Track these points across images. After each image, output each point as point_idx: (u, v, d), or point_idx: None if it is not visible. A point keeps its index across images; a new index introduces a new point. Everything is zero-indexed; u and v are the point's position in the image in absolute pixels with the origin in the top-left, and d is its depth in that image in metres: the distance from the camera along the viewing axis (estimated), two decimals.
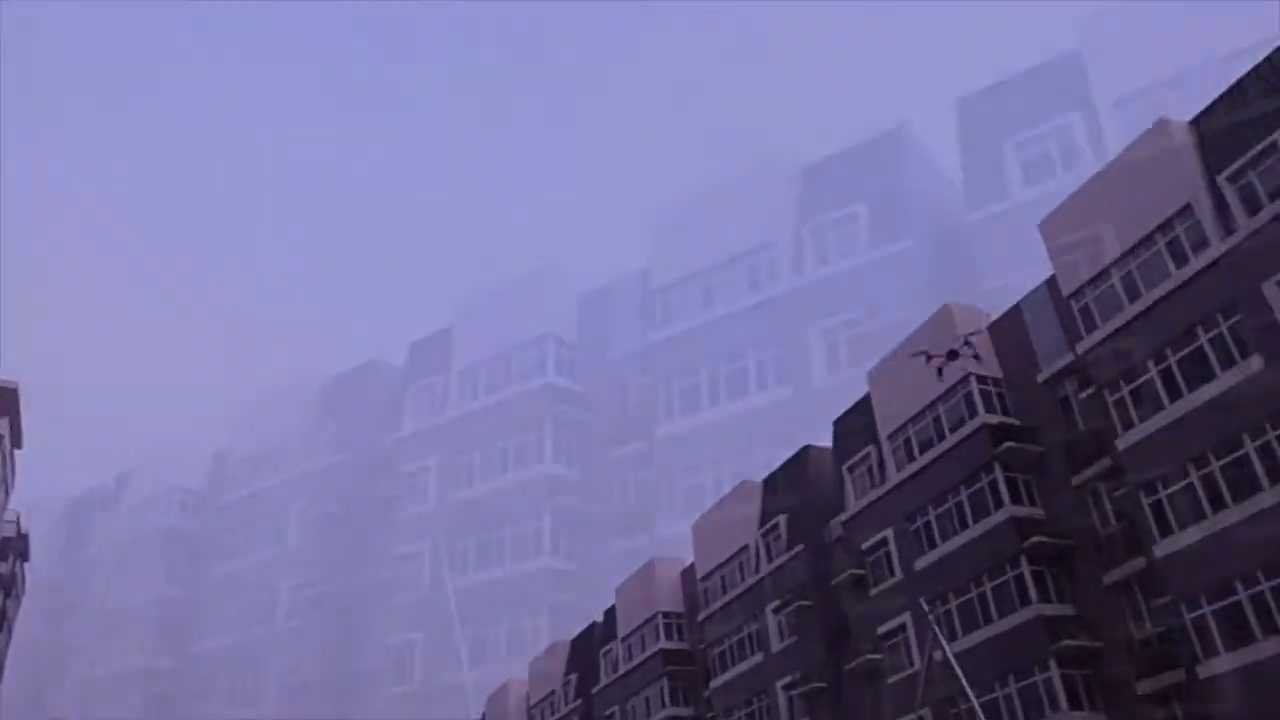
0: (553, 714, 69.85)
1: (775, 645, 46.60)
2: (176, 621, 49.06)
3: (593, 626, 67.54)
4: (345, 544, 42.47)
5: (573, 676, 68.01)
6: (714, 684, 50.29)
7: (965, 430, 37.42)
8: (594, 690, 63.54)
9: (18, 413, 73.88)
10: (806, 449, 49.18)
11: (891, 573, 40.55)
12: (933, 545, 38.42)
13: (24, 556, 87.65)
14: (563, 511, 35.40)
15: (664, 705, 54.83)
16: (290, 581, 44.00)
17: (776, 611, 46.79)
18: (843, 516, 44.05)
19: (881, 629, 40.27)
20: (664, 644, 56.10)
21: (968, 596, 36.06)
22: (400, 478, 41.84)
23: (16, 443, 76.11)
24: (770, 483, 50.84)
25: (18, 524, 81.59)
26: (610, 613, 63.66)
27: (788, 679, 44.88)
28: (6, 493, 77.10)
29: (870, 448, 43.00)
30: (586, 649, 67.01)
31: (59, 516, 63.53)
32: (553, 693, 70.52)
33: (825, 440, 47.65)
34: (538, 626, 34.23)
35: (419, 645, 35.26)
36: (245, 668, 43.29)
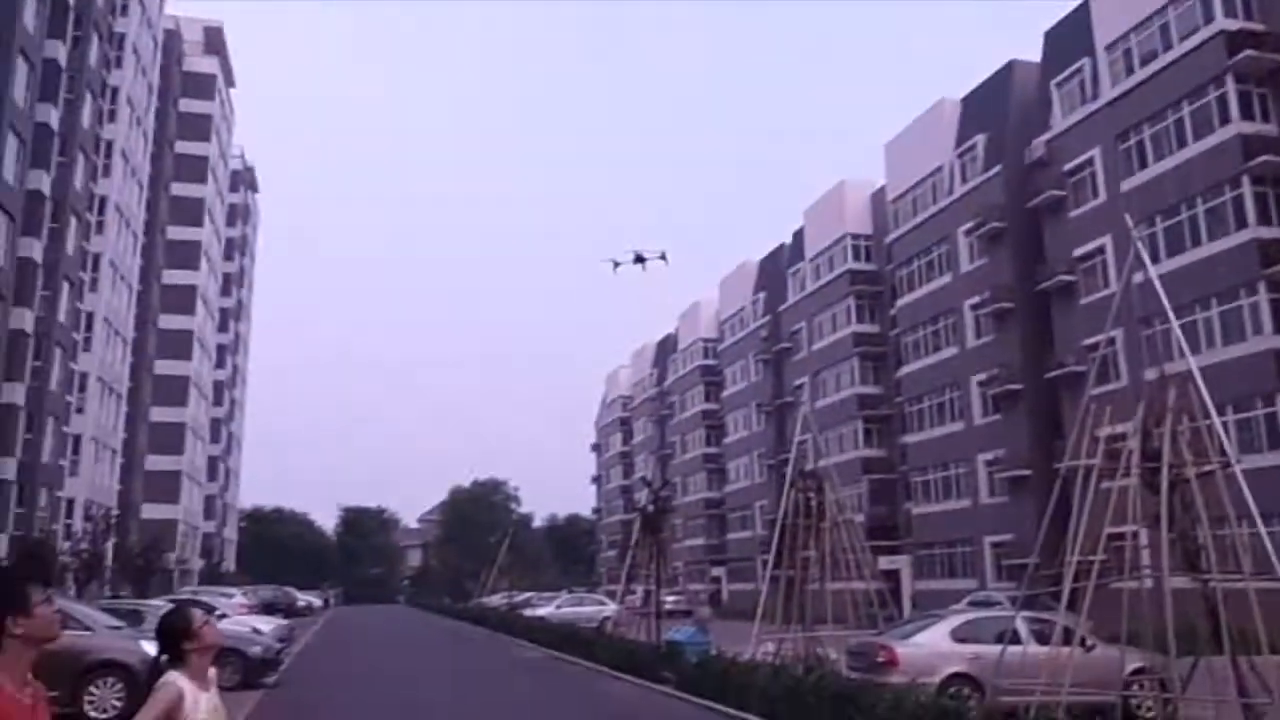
0: (741, 329, 73.66)
1: (965, 266, 46.58)
2: (880, 355, 55.38)
3: (781, 247, 68.94)
4: (1017, 255, 43.12)
5: (761, 295, 70.70)
6: (900, 303, 51.33)
7: (1198, 39, 33.86)
8: (781, 308, 66.12)
9: (227, 53, 77.21)
10: (1011, 64, 45.98)
11: (1095, 194, 38.93)
12: (1144, 165, 36.32)
13: (253, 188, 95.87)
14: (1264, 173, 32.06)
15: (850, 322, 56.78)
16: (972, 301, 45.46)
17: (968, 234, 46.28)
18: (1046, 136, 41.84)
19: (1078, 251, 39.38)
20: (851, 264, 57.06)
21: (1177, 219, 34.49)
22: (1061, 178, 40.47)
23: (230, 81, 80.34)
24: (970, 101, 48.32)
25: (242, 158, 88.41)
26: (798, 234, 64.53)
27: (976, 299, 45.25)
28: (229, 129, 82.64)
29: (1084, 61, 39.74)
30: (775, 269, 68.94)
31: (756, 279, 71.46)
32: (742, 309, 73.92)
33: None
34: (1256, 304, 32.21)
35: (1119, 342, 34.79)
36: (949, 386, 47.14)
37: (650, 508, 25.34)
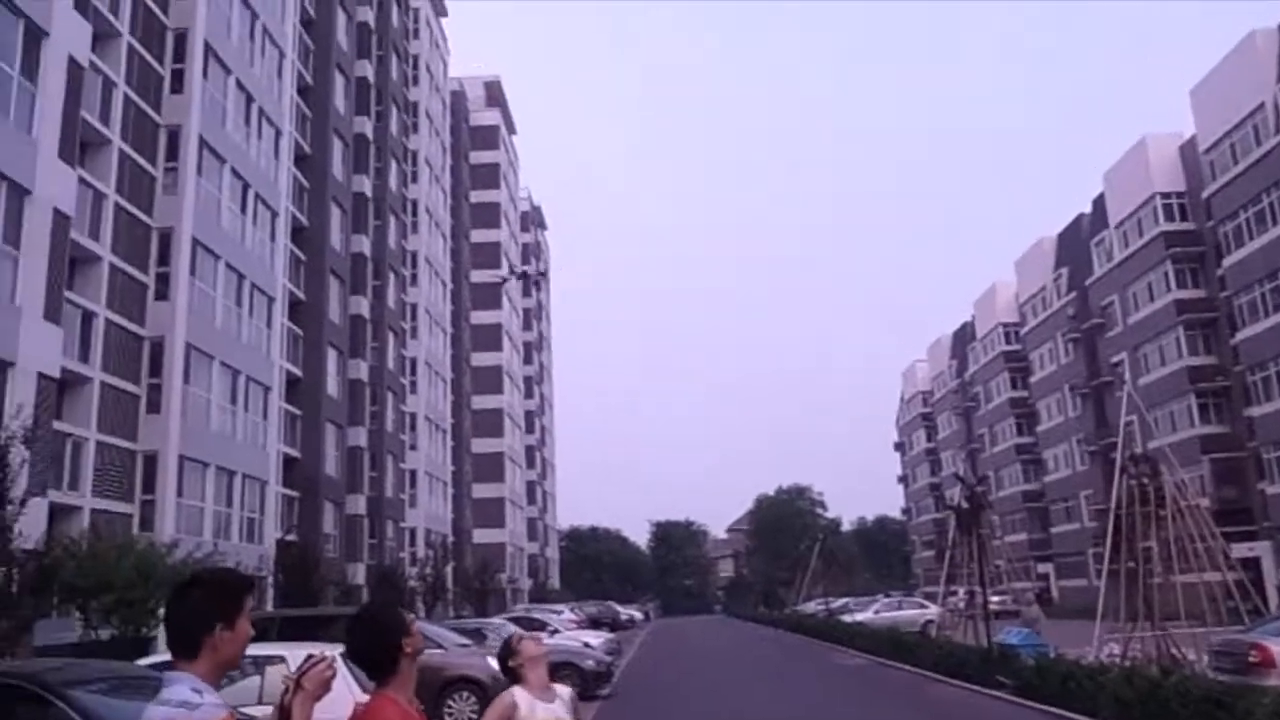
0: (1044, 309, 69.14)
1: None
2: (1209, 321, 49.06)
3: (1079, 218, 64.23)
4: None
5: (1063, 271, 66.07)
6: (1228, 262, 46.22)
7: None
8: (1087, 282, 61.45)
9: (506, 104, 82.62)
10: None
11: None
12: None
13: (542, 226, 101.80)
14: None
15: (1168, 290, 51.79)
16: None
17: None
18: None
19: None
20: (1164, 225, 52.08)
21: None
22: None
23: (511, 129, 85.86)
24: None
25: (529, 199, 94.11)
26: (1099, 201, 59.84)
27: None
28: (515, 174, 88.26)
29: None
30: (1075, 242, 64.28)
31: (1056, 254, 67.33)
32: (1043, 288, 69.42)
33: None
34: None
35: None
36: None
37: (965, 504, 24.22)
